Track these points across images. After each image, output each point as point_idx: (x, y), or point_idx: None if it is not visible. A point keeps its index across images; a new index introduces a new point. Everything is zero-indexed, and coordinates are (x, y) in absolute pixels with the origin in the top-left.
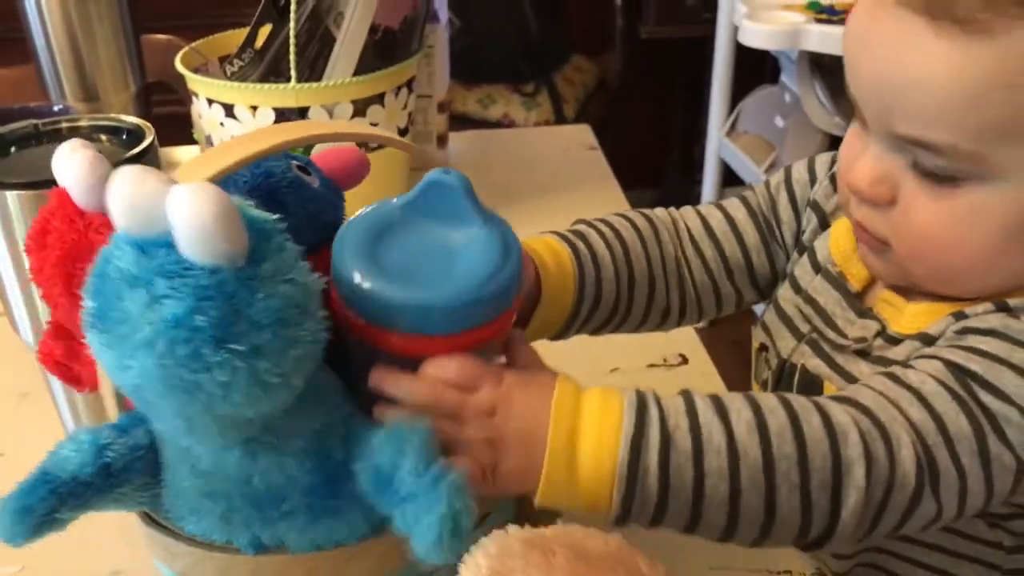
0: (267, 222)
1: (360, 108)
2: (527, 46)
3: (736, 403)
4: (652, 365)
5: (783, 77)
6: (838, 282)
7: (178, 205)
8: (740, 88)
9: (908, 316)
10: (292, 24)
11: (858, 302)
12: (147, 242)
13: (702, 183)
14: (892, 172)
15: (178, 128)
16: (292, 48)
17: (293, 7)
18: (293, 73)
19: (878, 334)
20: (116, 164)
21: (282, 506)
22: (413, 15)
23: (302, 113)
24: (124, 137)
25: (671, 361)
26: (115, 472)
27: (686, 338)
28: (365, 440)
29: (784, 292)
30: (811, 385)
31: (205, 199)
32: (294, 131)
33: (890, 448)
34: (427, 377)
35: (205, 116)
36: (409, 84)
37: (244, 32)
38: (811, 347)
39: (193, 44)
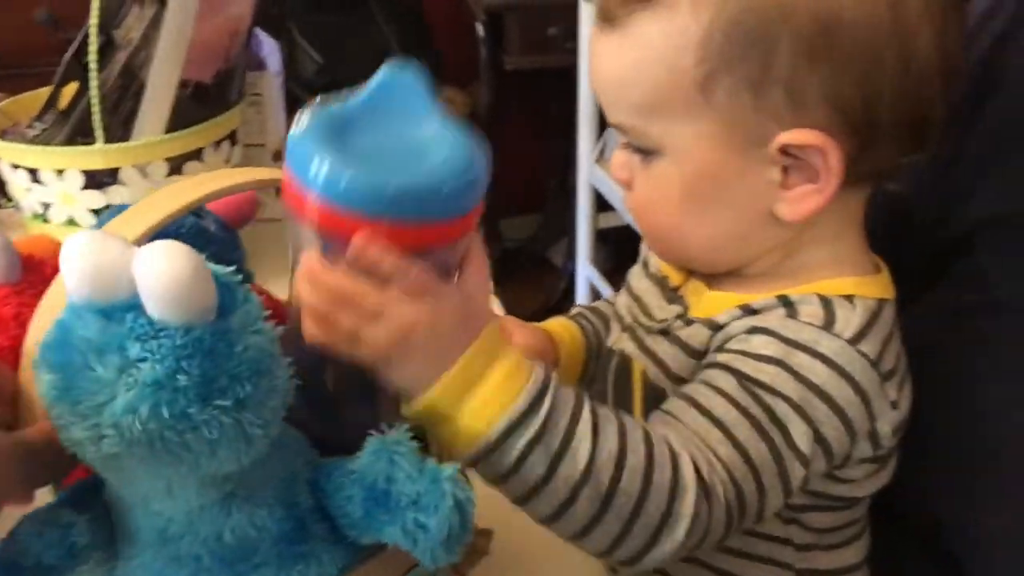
0: (228, 275)
1: (176, 166)
2: None
3: (610, 427)
4: None
5: None
6: (658, 278)
7: (148, 267)
8: None
9: (704, 301)
10: (92, 78)
11: (672, 292)
12: (111, 308)
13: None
14: (627, 156)
15: None
16: (96, 104)
17: (93, 61)
18: (99, 132)
19: (678, 316)
20: None
21: (253, 558)
22: (227, 67)
23: (112, 174)
24: None
25: None
26: (78, 551)
27: None
28: (341, 472)
29: (622, 299)
30: (622, 366)
31: (177, 259)
32: (219, 181)
33: (711, 508)
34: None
35: (11, 181)
36: (231, 137)
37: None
38: (628, 333)
39: None
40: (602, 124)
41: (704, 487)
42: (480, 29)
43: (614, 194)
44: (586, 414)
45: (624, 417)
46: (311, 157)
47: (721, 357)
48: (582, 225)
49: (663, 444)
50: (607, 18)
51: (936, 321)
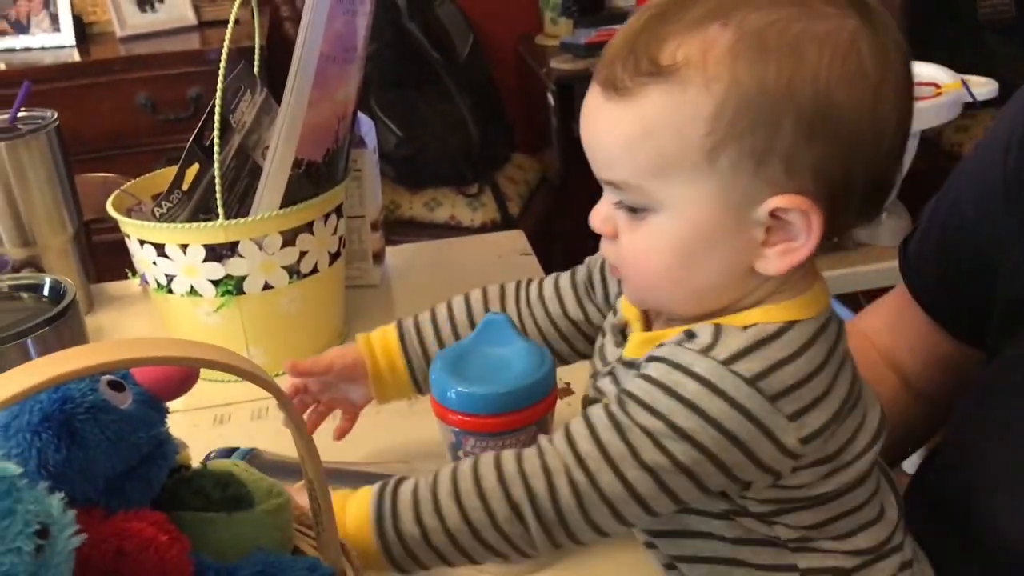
0: None
1: (289, 238)
2: (468, 150)
3: (444, 475)
4: None
5: None
6: (618, 327)
7: None
8: None
9: (632, 342)
10: (216, 161)
11: (620, 334)
12: None
13: None
14: (612, 211)
15: (120, 254)
16: (218, 184)
17: (216, 146)
18: (221, 210)
19: (619, 359)
20: (39, 324)
21: None
22: (335, 147)
23: (232, 248)
24: (45, 293)
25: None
26: None
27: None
28: None
29: (598, 342)
30: (584, 409)
31: None
32: (100, 355)
33: (549, 481)
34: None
35: (138, 256)
36: (338, 210)
37: (173, 171)
38: (593, 379)
39: (124, 186)
40: None
41: (544, 470)
42: (551, 98)
43: None
44: (422, 482)
45: (461, 463)
46: (441, 383)
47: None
48: None
49: (488, 456)
50: (615, 87)
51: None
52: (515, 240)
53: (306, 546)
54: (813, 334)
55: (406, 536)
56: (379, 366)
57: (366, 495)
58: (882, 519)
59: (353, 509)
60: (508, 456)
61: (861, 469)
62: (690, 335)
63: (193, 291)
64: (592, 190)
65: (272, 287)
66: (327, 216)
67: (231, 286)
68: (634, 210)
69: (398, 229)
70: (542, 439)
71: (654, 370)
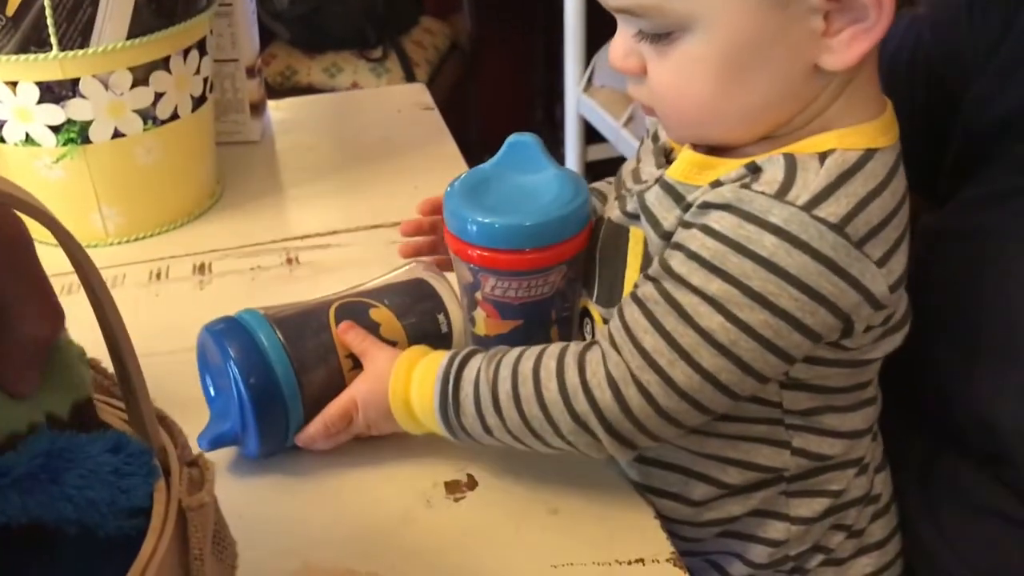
0: None
1: (141, 76)
2: (371, 9)
3: (505, 371)
4: None
5: None
6: (660, 147)
7: None
8: (596, 41)
9: (680, 162)
10: None
11: (663, 156)
12: None
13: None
14: (633, 45)
15: None
16: (48, 8)
17: None
18: (54, 39)
19: (658, 179)
20: None
21: None
22: None
23: (72, 87)
24: None
25: None
26: None
27: None
28: None
29: (627, 167)
30: (617, 232)
31: None
32: None
33: (619, 394)
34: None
35: None
36: (200, 47)
37: None
38: (619, 201)
39: None
40: (589, 52)
41: (609, 380)
42: None
43: (604, 124)
44: (483, 375)
45: (524, 353)
46: (458, 214)
47: (677, 236)
48: (570, 158)
49: (551, 360)
50: None
51: (990, 203)
52: (416, 94)
53: (114, 419)
54: (894, 163)
55: (467, 427)
56: None
57: (429, 376)
58: (874, 404)
59: (416, 391)
60: (571, 360)
61: (897, 341)
62: (754, 169)
63: (29, 140)
64: (508, 58)
65: (124, 135)
66: (187, 52)
67: (74, 133)
68: (659, 36)
69: (297, 95)
70: (602, 339)
71: (718, 221)
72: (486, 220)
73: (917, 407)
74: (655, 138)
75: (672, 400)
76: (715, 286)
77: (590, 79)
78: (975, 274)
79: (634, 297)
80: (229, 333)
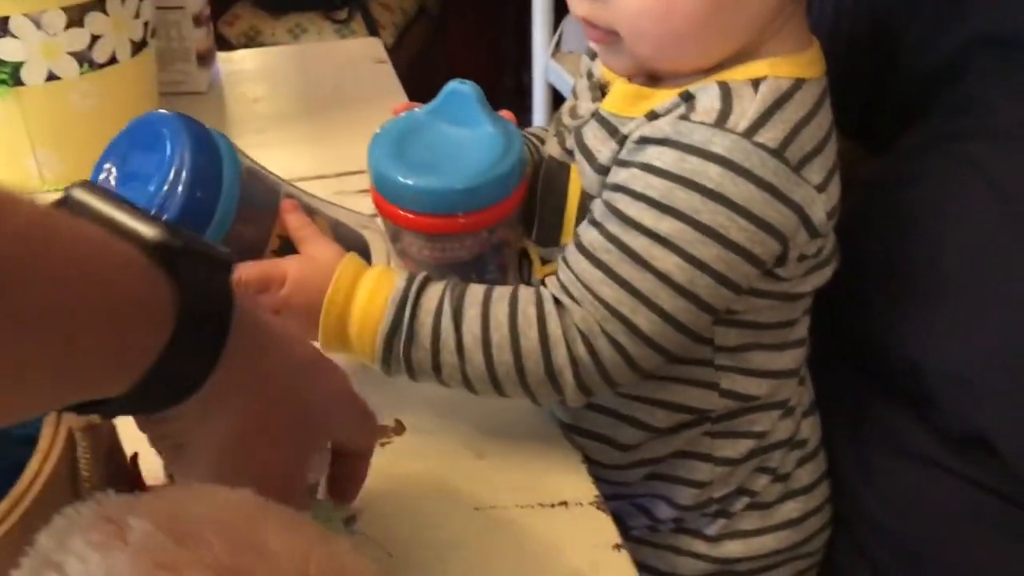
0: None
1: (76, 16)
2: None
3: (472, 310)
4: None
5: None
6: (594, 83)
7: None
8: (564, 6)
9: (614, 95)
10: None
11: (599, 90)
12: None
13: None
14: None
15: None
16: None
17: None
18: None
19: (593, 114)
20: None
21: None
22: None
23: (2, 26)
24: None
25: None
26: None
27: None
28: None
29: (565, 104)
30: (557, 171)
31: None
32: None
33: (593, 349)
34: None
35: None
36: None
37: None
38: (557, 138)
39: None
40: (558, 17)
41: (581, 334)
42: None
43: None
44: (447, 307)
45: (493, 294)
46: (380, 169)
47: (616, 176)
48: (539, 124)
49: (530, 306)
50: None
51: (925, 149)
52: (370, 47)
53: None
54: (821, 96)
55: (414, 360)
56: None
57: (379, 295)
58: (803, 345)
59: (360, 307)
60: (551, 311)
61: (827, 276)
62: (687, 98)
63: None
64: (476, 22)
65: (58, 78)
66: None
67: (5, 74)
68: None
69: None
70: (559, 293)
71: (659, 157)
72: (406, 181)
73: (848, 353)
74: (589, 75)
75: (639, 348)
76: (666, 225)
77: (558, 44)
78: (905, 219)
79: (580, 247)
80: (199, 134)
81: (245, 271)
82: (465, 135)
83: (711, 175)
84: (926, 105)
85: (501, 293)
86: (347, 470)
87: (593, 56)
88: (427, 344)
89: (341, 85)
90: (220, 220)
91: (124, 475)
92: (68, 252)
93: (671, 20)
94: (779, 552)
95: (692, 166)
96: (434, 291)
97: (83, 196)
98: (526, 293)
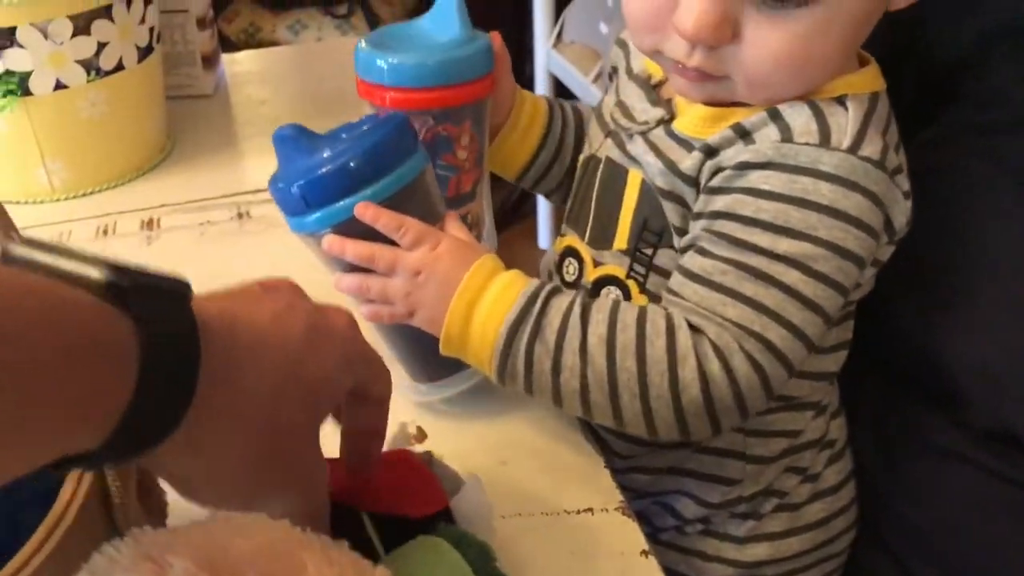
0: None
1: (82, 25)
2: None
3: (600, 314)
4: None
5: None
6: (641, 79)
7: None
8: None
9: (692, 117)
10: None
11: (653, 93)
12: None
13: None
14: (729, 11)
15: None
16: None
17: None
18: None
19: (660, 121)
20: None
21: None
22: None
23: (9, 36)
24: None
25: None
26: None
27: None
28: None
29: (608, 100)
30: (615, 173)
31: None
32: None
33: (729, 367)
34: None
35: None
36: None
37: None
38: (613, 139)
39: None
40: (559, 7)
41: (715, 350)
42: None
43: (574, 81)
44: (576, 308)
45: (620, 303)
46: (363, 59)
47: (713, 204)
48: None
49: (659, 317)
50: None
51: (947, 142)
52: None
53: None
54: (891, 107)
55: (535, 356)
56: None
57: (512, 289)
58: (848, 345)
59: (492, 296)
60: (682, 324)
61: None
62: (775, 116)
63: None
64: (477, 14)
65: (66, 86)
66: (129, 0)
67: (14, 85)
68: (774, 3)
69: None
70: (684, 310)
71: (767, 181)
72: (389, 60)
73: (872, 350)
74: (629, 71)
75: (775, 366)
76: (784, 244)
77: (559, 35)
78: (929, 213)
79: (690, 275)
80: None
81: (410, 222)
82: (434, 32)
83: (823, 192)
84: (944, 101)
85: (630, 304)
86: (361, 445)
87: (623, 45)
88: (551, 341)
89: (346, 85)
90: (396, 177)
91: (156, 496)
92: (12, 303)
93: (807, 68)
94: (806, 553)
95: (803, 186)
96: (567, 294)
97: (23, 251)
98: (655, 306)
